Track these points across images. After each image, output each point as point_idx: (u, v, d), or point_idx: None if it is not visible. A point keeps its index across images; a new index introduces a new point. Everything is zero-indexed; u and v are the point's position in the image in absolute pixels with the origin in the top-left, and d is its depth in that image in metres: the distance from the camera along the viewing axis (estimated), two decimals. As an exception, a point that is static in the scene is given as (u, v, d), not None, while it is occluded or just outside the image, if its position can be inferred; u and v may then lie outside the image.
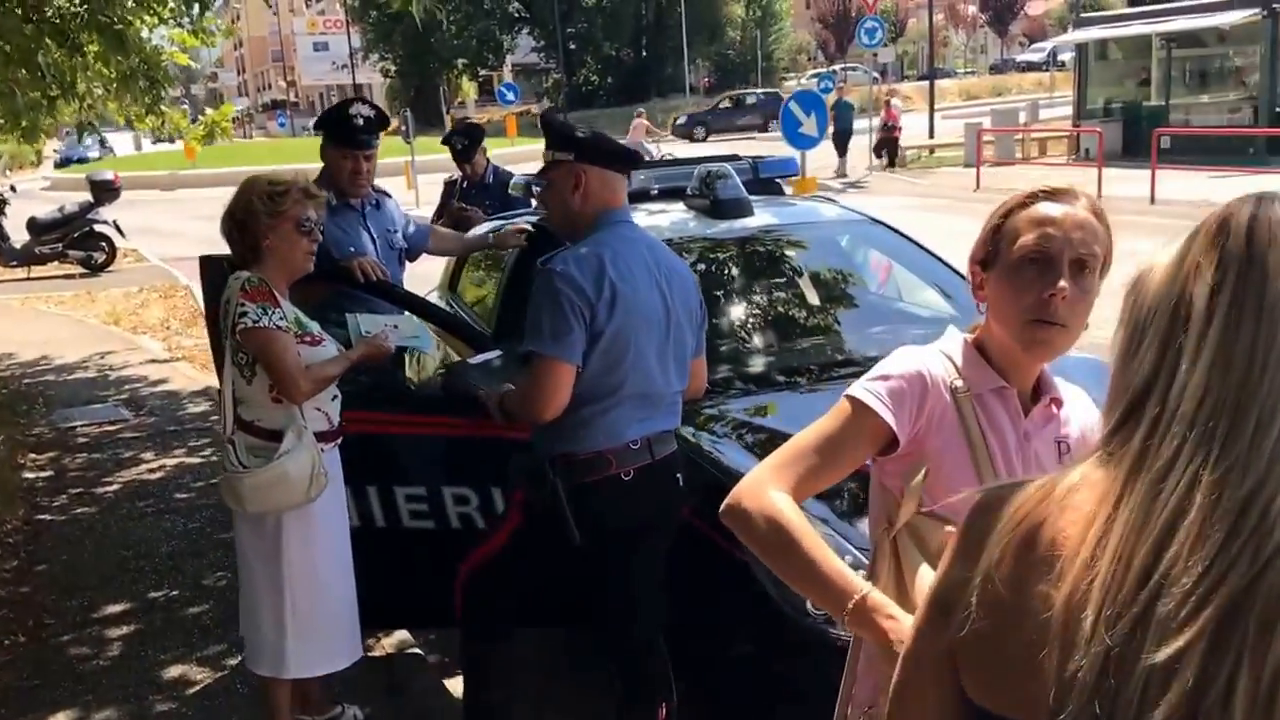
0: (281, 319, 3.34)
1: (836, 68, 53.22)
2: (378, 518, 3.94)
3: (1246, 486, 1.03)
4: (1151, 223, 15.88)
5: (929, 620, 1.24)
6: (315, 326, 3.52)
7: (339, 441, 3.59)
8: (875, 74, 32.42)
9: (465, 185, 7.26)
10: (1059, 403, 1.96)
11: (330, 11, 76.57)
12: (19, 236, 16.63)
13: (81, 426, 8.19)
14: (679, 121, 43.62)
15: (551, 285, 2.97)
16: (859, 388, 1.89)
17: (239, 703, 4.17)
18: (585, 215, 3.13)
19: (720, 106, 45.25)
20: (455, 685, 4.16)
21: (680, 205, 4.87)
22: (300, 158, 30.47)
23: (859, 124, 25.84)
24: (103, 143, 46.92)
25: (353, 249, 4.32)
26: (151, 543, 5.87)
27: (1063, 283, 1.81)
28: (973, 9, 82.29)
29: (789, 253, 4.91)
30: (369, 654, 4.49)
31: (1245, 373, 1.06)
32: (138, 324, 12.52)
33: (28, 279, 16.27)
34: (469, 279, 5.91)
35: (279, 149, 44.04)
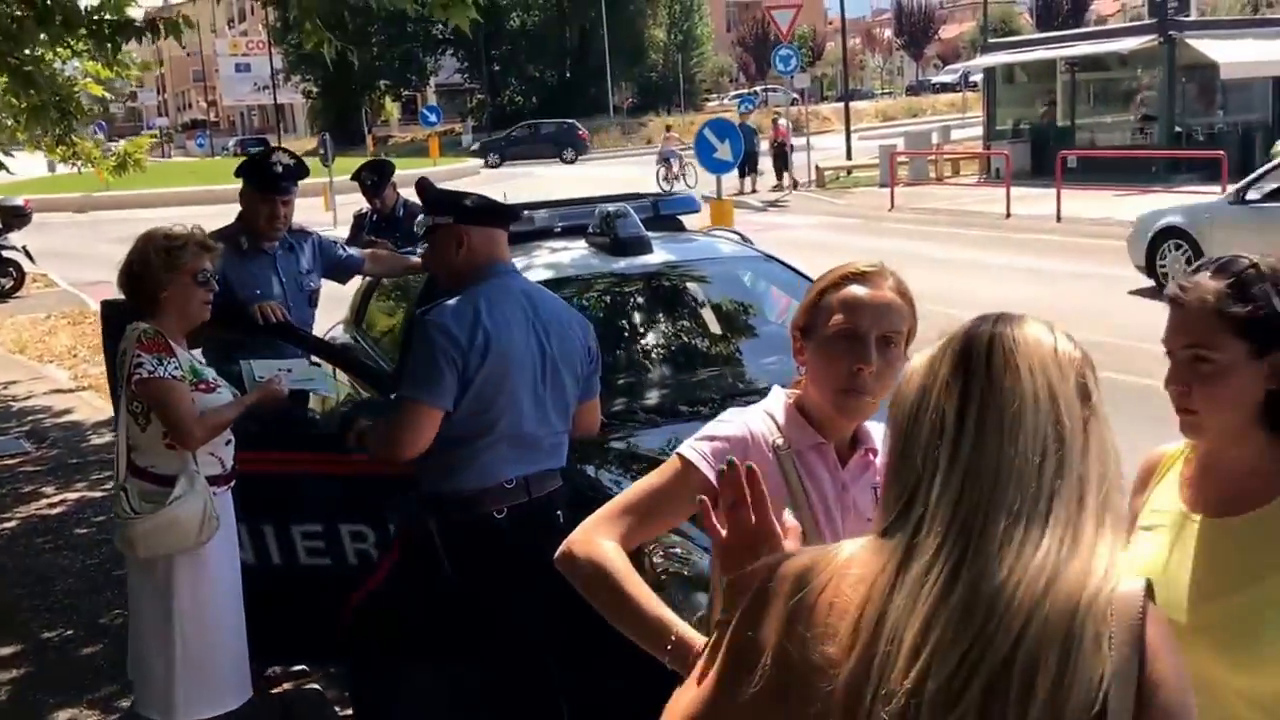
0: (177, 369, 3.40)
1: (758, 89, 53.98)
2: (274, 555, 3.98)
3: (998, 578, 1.20)
4: (1056, 240, 16.32)
5: (729, 673, 1.34)
6: (210, 373, 3.59)
7: (232, 485, 3.64)
8: (795, 94, 32.98)
9: (375, 219, 7.35)
10: (874, 452, 2.10)
11: (253, 33, 75.81)
12: (-75, 264, 16.33)
13: (-19, 460, 8.07)
14: (473, 148, 45.13)
15: (425, 334, 3.14)
16: (686, 447, 2.05)
17: (130, 747, 4.16)
18: (469, 271, 3.28)
19: (513, 134, 46.69)
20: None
21: (582, 243, 4.98)
22: (217, 179, 30.04)
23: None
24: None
25: (259, 291, 4.43)
26: (48, 580, 5.80)
27: (870, 360, 1.99)
28: (888, 33, 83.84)
29: (687, 287, 5.05)
30: (271, 690, 4.53)
31: (993, 482, 1.25)
32: (44, 351, 12.33)
33: (-67, 307, 15.96)
34: (376, 311, 5.97)
35: (196, 170, 43.38)
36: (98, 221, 26.93)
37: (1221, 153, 17.43)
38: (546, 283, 4.58)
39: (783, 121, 27.20)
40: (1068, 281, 12.91)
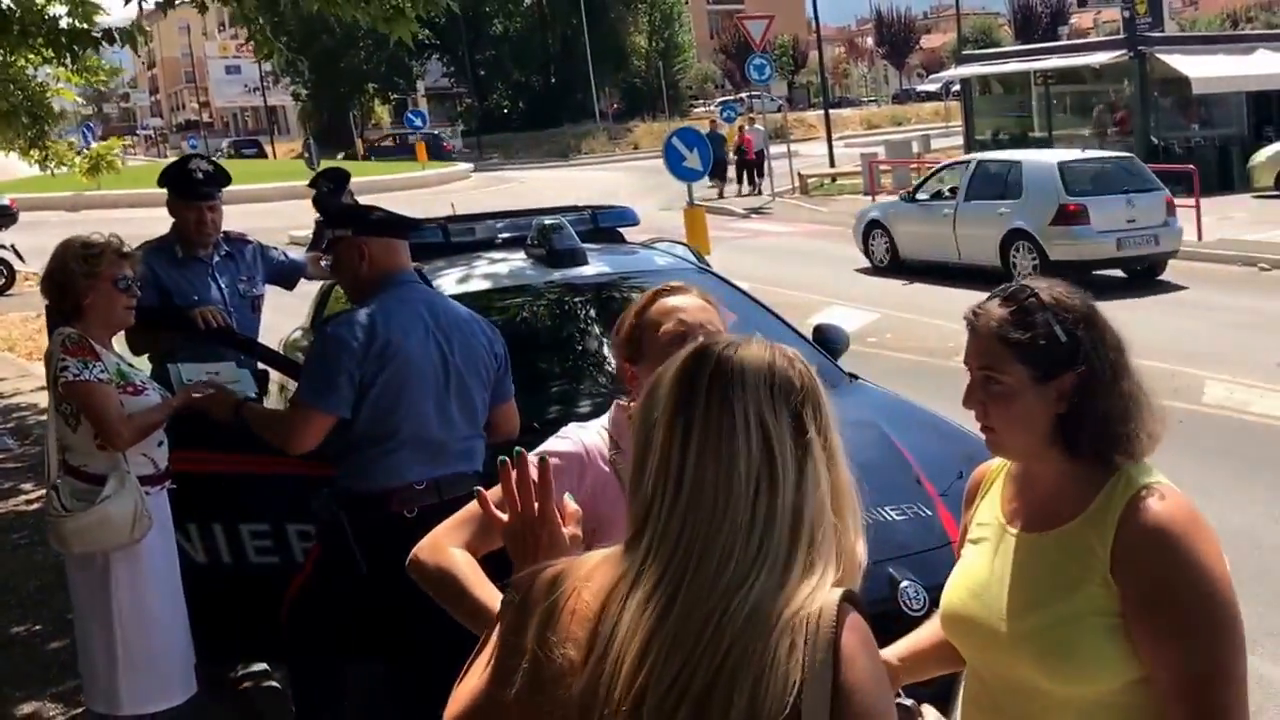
0: (102, 372, 3.53)
1: (743, 96, 54.09)
2: (224, 553, 4.11)
3: (709, 606, 1.32)
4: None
5: (498, 673, 1.46)
6: (138, 376, 3.72)
7: (165, 484, 3.77)
8: (782, 102, 33.06)
9: (333, 226, 7.47)
10: None
11: (242, 35, 75.75)
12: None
13: (-37, 457, 8.16)
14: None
15: (323, 343, 3.35)
16: None
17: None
18: (372, 281, 3.44)
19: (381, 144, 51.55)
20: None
21: (520, 254, 5.13)
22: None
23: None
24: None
25: (196, 298, 4.54)
26: (20, 576, 5.92)
27: None
28: (870, 41, 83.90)
29: (617, 297, 5.20)
30: (235, 685, 4.65)
31: (709, 515, 1.35)
32: (33, 349, 12.39)
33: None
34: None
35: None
36: (89, 221, 26.71)
37: (1192, 166, 17.38)
38: (482, 292, 4.76)
39: (758, 127, 27.28)
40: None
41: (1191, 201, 15.91)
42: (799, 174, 27.06)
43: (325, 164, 24.56)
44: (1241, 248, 15.22)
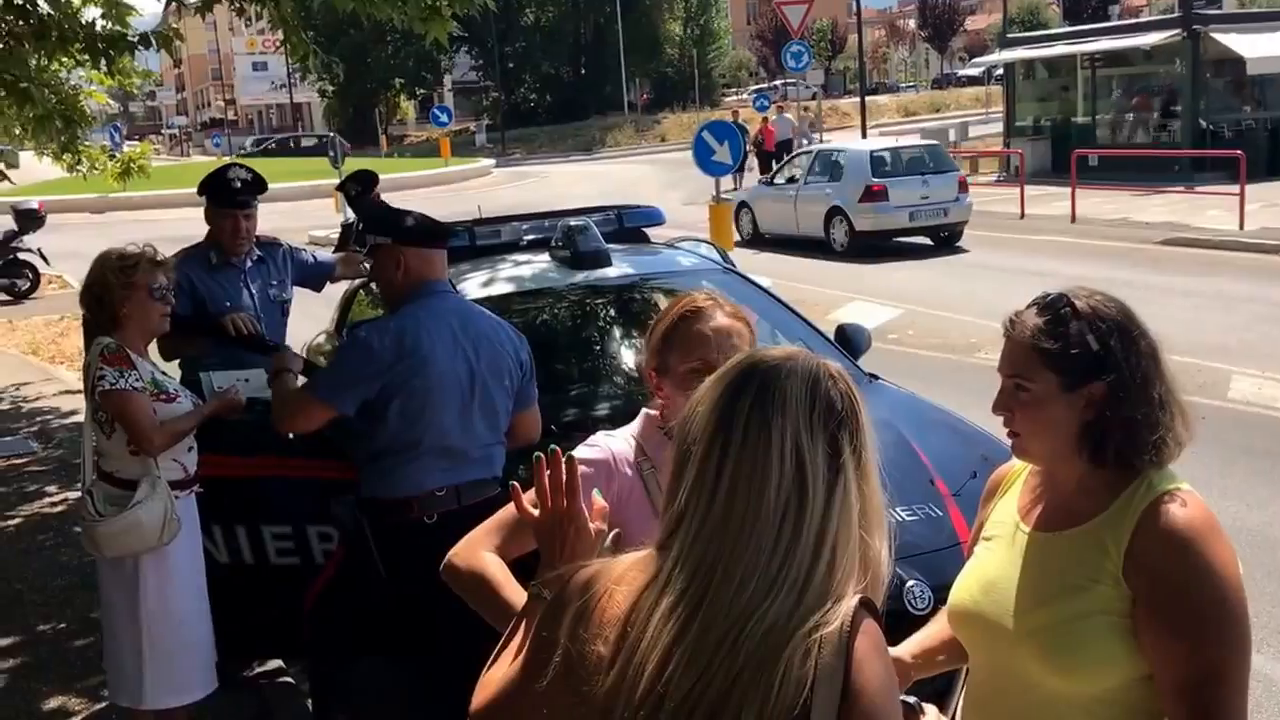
0: (137, 380, 3.65)
1: (778, 83, 53.37)
2: (246, 554, 4.19)
3: (726, 624, 1.37)
4: (1069, 243, 16.13)
5: (530, 666, 1.53)
6: (171, 384, 3.83)
7: (195, 489, 3.86)
8: (817, 89, 32.69)
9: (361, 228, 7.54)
10: None
11: (269, 31, 76.11)
12: (-59, 267, 16.59)
13: (-11, 460, 8.32)
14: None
15: (349, 347, 3.45)
16: None
17: (112, 732, 4.38)
18: (406, 290, 3.51)
19: (303, 144, 52.62)
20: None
21: (545, 256, 5.17)
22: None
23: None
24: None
25: (229, 304, 4.63)
26: (46, 575, 6.06)
27: None
28: (912, 24, 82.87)
29: (641, 298, 5.23)
30: (250, 683, 4.74)
31: (735, 537, 1.40)
32: (56, 354, 12.60)
33: (-50, 309, 16.26)
34: (358, 318, 6.17)
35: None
36: (114, 223, 27.07)
37: (1240, 152, 16.94)
38: (506, 295, 4.80)
39: (787, 116, 27.04)
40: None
41: (1236, 189, 15.74)
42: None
43: (350, 165, 24.73)
44: (1281, 236, 14.91)
